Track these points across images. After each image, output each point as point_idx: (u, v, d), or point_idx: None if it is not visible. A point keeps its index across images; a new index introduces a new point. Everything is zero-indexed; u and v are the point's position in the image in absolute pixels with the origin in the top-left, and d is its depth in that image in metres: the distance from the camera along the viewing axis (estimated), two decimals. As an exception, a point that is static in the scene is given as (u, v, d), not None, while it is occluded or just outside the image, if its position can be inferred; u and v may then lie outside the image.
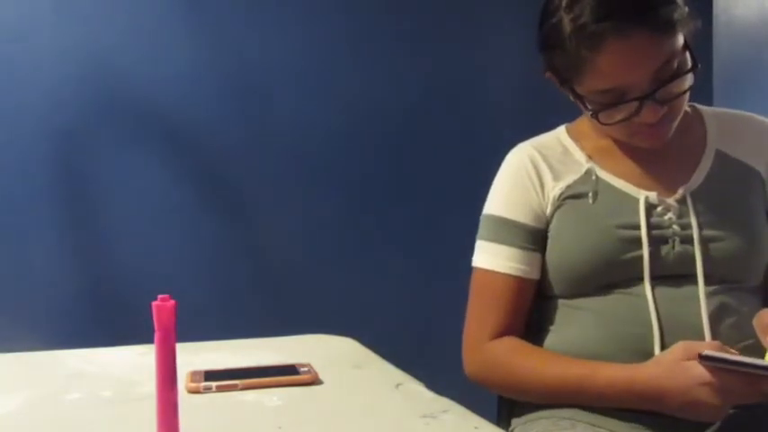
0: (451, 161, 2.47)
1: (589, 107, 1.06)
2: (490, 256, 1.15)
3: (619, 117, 1.04)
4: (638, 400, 1.00)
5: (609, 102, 1.03)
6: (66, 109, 2.14)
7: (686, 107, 1.18)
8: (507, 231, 1.14)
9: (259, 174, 2.32)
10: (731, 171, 1.13)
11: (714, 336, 1.03)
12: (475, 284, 1.18)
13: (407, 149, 2.46)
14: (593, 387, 1.03)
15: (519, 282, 1.13)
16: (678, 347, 0.98)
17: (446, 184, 2.47)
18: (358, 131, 2.41)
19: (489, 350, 1.13)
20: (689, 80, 1.05)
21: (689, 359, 0.95)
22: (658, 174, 1.12)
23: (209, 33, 2.27)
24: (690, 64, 1.04)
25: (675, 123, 1.09)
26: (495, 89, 2.55)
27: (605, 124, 1.06)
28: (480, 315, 1.16)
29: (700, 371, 0.94)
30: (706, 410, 0.96)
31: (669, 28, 1.00)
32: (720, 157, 1.14)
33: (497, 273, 1.14)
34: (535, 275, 1.14)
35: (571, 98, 1.13)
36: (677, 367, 0.96)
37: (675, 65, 1.02)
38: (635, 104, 1.02)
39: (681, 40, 1.02)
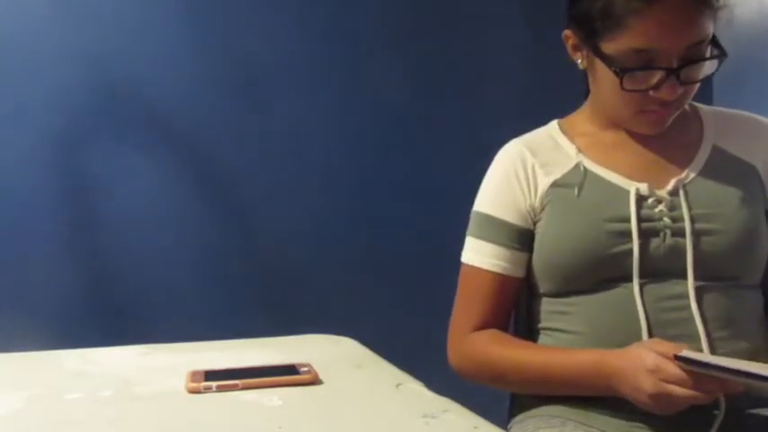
0: (451, 160, 2.47)
1: (616, 68, 1.03)
2: (475, 253, 1.17)
3: (640, 85, 1.03)
4: (595, 381, 1.01)
5: (636, 65, 1.02)
6: (66, 109, 2.13)
7: (685, 107, 1.19)
8: (492, 229, 1.16)
9: (259, 174, 2.32)
10: (728, 166, 1.11)
11: (707, 334, 1.02)
12: (461, 279, 1.20)
13: (408, 148, 2.46)
14: (557, 370, 1.06)
15: (501, 278, 1.15)
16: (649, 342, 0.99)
17: (446, 183, 2.47)
18: (358, 131, 2.41)
19: (470, 341, 1.16)
20: (709, 68, 1.05)
21: (656, 351, 0.94)
22: (651, 167, 1.11)
23: (210, 34, 2.26)
24: (709, 53, 1.04)
25: (676, 114, 1.09)
26: (494, 87, 2.55)
27: (626, 90, 1.03)
28: (464, 309, 1.18)
29: (652, 359, 0.93)
30: (648, 402, 0.94)
31: (712, 6, 1.02)
32: (717, 152, 1.12)
33: (480, 269, 1.16)
34: (519, 273, 1.16)
35: (581, 64, 1.12)
36: (632, 351, 0.97)
37: (704, 49, 1.03)
38: (659, 75, 1.01)
39: (712, 27, 1.03)
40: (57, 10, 2.12)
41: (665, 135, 1.12)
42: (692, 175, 1.10)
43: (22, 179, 2.11)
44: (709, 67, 1.05)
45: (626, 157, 1.12)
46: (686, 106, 1.18)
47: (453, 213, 2.45)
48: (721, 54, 1.04)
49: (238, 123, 2.29)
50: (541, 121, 1.25)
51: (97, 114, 2.16)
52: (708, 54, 1.04)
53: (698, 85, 1.07)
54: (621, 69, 1.02)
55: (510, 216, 1.15)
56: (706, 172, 1.10)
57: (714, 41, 1.04)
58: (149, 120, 2.22)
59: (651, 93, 1.03)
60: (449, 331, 1.20)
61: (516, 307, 1.21)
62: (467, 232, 1.21)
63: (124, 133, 2.19)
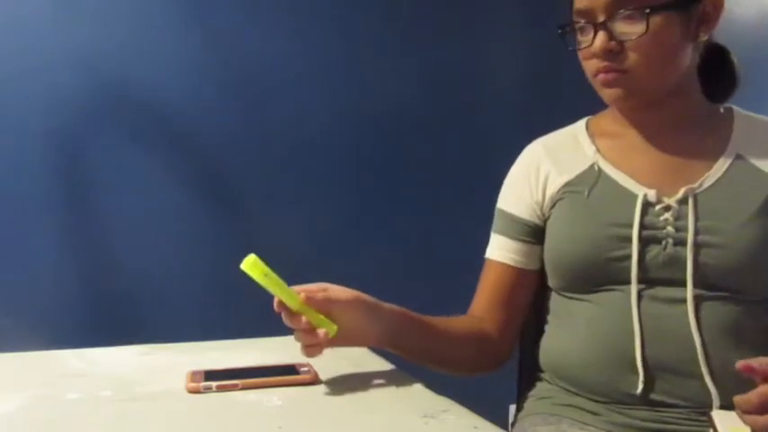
0: (451, 161, 2.47)
1: (561, 28, 1.09)
2: (490, 246, 1.23)
3: (580, 45, 1.07)
4: None
5: (580, 24, 1.06)
6: (65, 109, 2.13)
7: (721, 110, 1.14)
8: (503, 223, 1.21)
9: (259, 173, 2.32)
10: (747, 178, 1.05)
11: (704, 345, 0.99)
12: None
13: (407, 148, 2.46)
14: None
15: (506, 269, 1.19)
16: None
17: (446, 183, 2.47)
18: (358, 131, 2.41)
19: None
20: (644, 24, 1.00)
21: None
22: (666, 172, 1.08)
23: (209, 33, 2.27)
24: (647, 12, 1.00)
25: (633, 80, 1.04)
26: (496, 88, 2.56)
27: (574, 50, 1.08)
28: (474, 301, 1.24)
29: None
30: None
31: None
32: (739, 161, 1.07)
33: (491, 260, 1.22)
34: (530, 266, 1.19)
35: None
36: None
37: (636, 4, 1.00)
38: (593, 31, 1.04)
39: None
40: (55, 10, 2.12)
41: (687, 138, 1.09)
42: (707, 184, 1.05)
43: (21, 179, 2.11)
44: (642, 21, 0.99)
45: (643, 160, 1.11)
46: (721, 109, 1.14)
47: (454, 213, 2.45)
48: (651, 10, 0.99)
49: (238, 123, 2.29)
50: (547, 121, 1.26)
51: (95, 115, 2.16)
52: (642, 13, 1.00)
53: (645, 52, 1.01)
54: (559, 26, 1.09)
55: (519, 211, 1.19)
56: (722, 182, 1.05)
57: (653, 7, 1.00)
58: (148, 120, 2.22)
59: (590, 48, 1.05)
60: None
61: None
62: None
63: (123, 134, 2.19)
